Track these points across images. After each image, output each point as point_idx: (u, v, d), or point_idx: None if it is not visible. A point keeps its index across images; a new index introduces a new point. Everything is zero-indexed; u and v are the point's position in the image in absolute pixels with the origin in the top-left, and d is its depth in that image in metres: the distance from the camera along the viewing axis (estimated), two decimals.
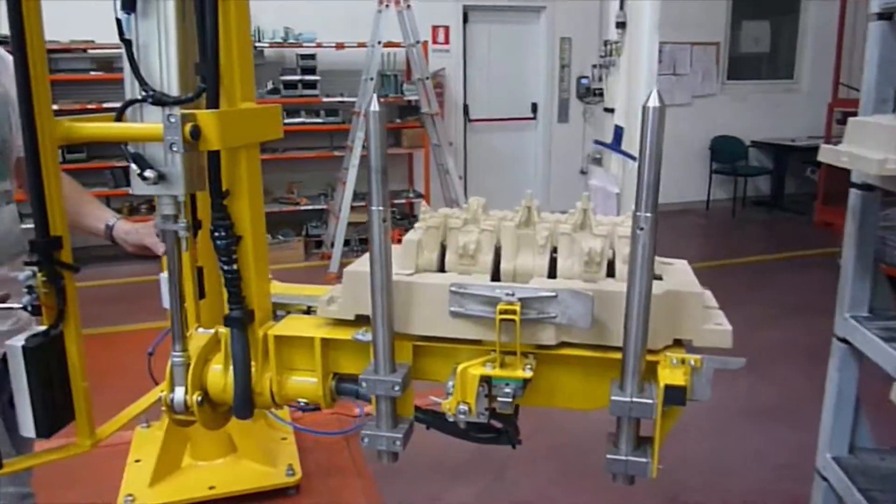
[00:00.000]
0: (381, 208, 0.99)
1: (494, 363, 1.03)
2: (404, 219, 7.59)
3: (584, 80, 8.47)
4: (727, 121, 9.02)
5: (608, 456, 1.02)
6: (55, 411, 1.15)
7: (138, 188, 1.12)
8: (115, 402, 1.38)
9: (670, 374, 0.98)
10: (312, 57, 7.02)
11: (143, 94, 1.10)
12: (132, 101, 1.12)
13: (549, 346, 1.05)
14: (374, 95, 1.00)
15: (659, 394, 0.96)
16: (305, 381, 1.20)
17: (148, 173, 1.09)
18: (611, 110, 4.47)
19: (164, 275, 1.32)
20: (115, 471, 2.96)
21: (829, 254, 6.44)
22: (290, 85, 6.95)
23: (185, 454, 3.02)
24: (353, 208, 6.45)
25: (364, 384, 1.07)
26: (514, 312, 0.99)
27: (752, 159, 9.23)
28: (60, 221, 1.14)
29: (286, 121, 6.98)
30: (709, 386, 1.01)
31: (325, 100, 7.03)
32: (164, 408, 1.23)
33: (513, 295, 1.01)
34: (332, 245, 6.51)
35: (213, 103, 1.08)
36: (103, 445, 3.34)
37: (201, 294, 1.44)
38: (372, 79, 6.37)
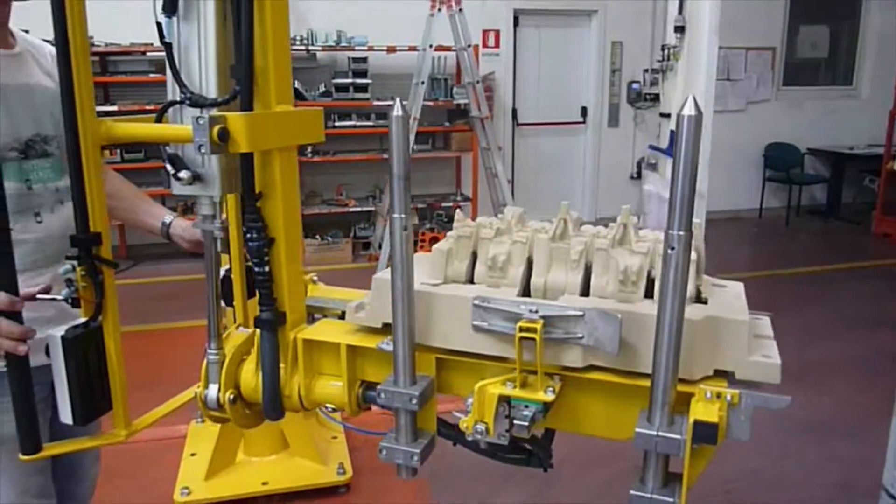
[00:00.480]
0: (402, 215, 0.96)
1: (515, 382, 0.98)
2: (451, 222, 7.60)
3: (634, 85, 8.38)
4: (782, 127, 8.81)
5: (632, 492, 0.94)
6: (92, 401, 1.19)
7: (176, 188, 1.14)
8: (171, 395, 1.41)
9: (703, 408, 0.90)
10: (364, 60, 7.07)
11: (182, 95, 1.11)
12: (172, 103, 1.14)
13: (575, 368, 1.00)
14: (398, 100, 0.96)
15: (688, 430, 0.88)
16: (333, 387, 1.18)
17: (182, 174, 1.10)
18: (667, 115, 4.40)
19: None
20: (171, 464, 3.04)
21: (888, 265, 6.26)
22: (342, 88, 7.02)
23: (238, 450, 3.08)
24: None
25: (382, 395, 1.05)
26: (534, 331, 0.94)
27: (808, 167, 9.00)
28: (100, 218, 1.16)
29: (337, 123, 7.07)
30: (748, 424, 0.92)
31: (375, 103, 7.09)
32: (199, 404, 1.24)
33: (536, 312, 0.96)
34: (380, 247, 6.57)
35: (247, 106, 1.08)
36: (160, 439, 3.42)
37: (251, 293, 1.46)
38: (423, 82, 6.40)
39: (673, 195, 0.81)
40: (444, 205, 7.57)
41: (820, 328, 5.03)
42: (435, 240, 6.70)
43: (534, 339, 0.94)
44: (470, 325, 1.02)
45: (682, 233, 0.82)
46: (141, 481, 3.13)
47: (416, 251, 1.16)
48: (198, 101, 1.10)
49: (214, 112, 1.05)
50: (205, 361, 1.22)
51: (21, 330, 1.21)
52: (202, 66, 1.12)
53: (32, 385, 1.23)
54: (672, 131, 4.22)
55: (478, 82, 6.53)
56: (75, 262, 1.16)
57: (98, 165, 1.15)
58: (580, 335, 0.96)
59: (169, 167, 1.12)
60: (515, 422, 0.97)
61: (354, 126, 7.14)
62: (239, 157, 1.11)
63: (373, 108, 7.17)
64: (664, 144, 4.35)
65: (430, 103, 7.02)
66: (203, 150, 1.00)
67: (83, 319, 1.17)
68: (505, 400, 0.98)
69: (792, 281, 6.40)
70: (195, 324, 1.27)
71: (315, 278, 1.43)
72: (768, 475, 3.25)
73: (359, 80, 7.04)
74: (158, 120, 1.17)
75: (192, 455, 3.08)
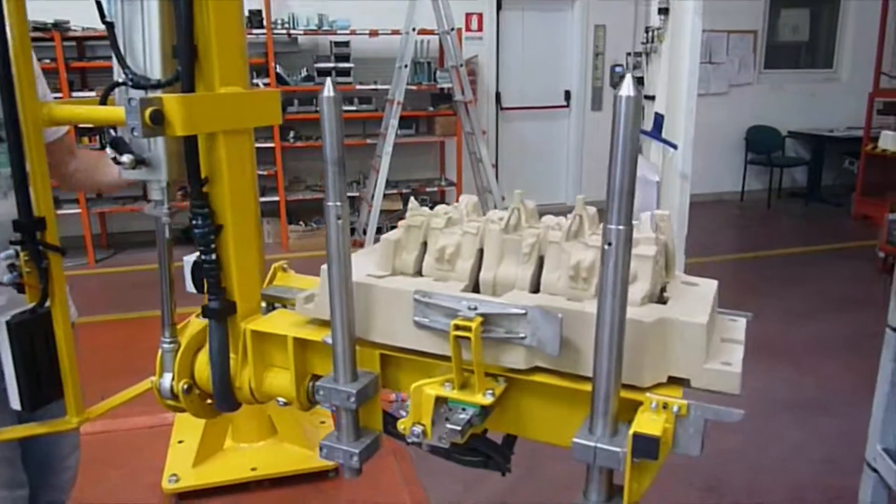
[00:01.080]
0: (338, 203, 0.91)
1: (454, 384, 0.92)
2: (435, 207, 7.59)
3: (618, 69, 8.37)
4: (763, 110, 8.85)
5: None
6: (40, 387, 1.19)
7: (124, 172, 1.11)
8: None
9: (647, 420, 0.82)
10: (346, 44, 7.00)
11: (124, 77, 1.08)
12: (115, 84, 1.11)
13: (519, 370, 0.93)
14: (329, 80, 0.90)
15: (628, 442, 0.80)
16: (284, 380, 1.14)
17: (124, 158, 1.07)
18: (651, 98, 4.41)
19: (188, 258, 1.29)
20: (159, 452, 3.03)
21: (867, 246, 6.34)
22: (324, 72, 6.93)
23: (226, 436, 3.06)
24: (385, 196, 6.47)
25: (321, 392, 0.99)
26: (469, 329, 0.87)
27: (789, 150, 9.07)
28: (45, 202, 1.14)
29: (319, 108, 7.01)
30: (698, 438, 0.82)
31: (358, 87, 7.03)
32: (155, 393, 1.22)
33: (475, 309, 0.90)
34: (365, 233, 6.54)
35: (188, 87, 1.04)
36: (148, 427, 3.39)
37: None
38: (406, 66, 6.37)
39: (610, 185, 0.74)
40: (428, 190, 7.55)
41: (802, 308, 5.10)
42: None
43: (469, 339, 0.88)
44: (411, 320, 0.96)
45: (621, 227, 0.74)
46: (129, 470, 3.11)
47: None
48: (140, 83, 1.07)
49: (148, 94, 1.01)
50: (160, 350, 1.20)
51: None
52: (146, 47, 1.08)
53: None
54: (657, 114, 4.23)
55: (461, 66, 6.50)
56: (19, 248, 1.15)
57: (41, 148, 1.13)
58: (522, 335, 0.89)
59: (109, 151, 1.08)
60: (448, 425, 0.90)
61: None
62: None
63: (355, 93, 7.11)
64: (648, 127, 4.36)
65: (414, 87, 6.98)
66: (135, 133, 0.96)
67: (30, 306, 1.17)
68: (443, 401, 0.92)
69: (774, 262, 6.47)
70: (177, 312, 1.24)
71: (285, 266, 1.38)
72: (753, 452, 3.28)
73: (341, 65, 6.97)
74: (103, 102, 1.14)
75: (180, 442, 3.06)
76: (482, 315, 0.90)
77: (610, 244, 0.75)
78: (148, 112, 0.95)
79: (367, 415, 1.05)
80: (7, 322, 1.13)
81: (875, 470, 2.02)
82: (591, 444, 0.82)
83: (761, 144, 8.80)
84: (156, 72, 1.08)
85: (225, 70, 1.08)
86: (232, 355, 1.15)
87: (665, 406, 0.83)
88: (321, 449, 1.02)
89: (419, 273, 1.08)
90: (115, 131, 1.10)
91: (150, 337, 1.22)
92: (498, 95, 8.20)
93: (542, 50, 8.33)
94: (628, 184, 0.73)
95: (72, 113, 1.19)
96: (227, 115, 1.09)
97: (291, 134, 7.00)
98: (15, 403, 1.18)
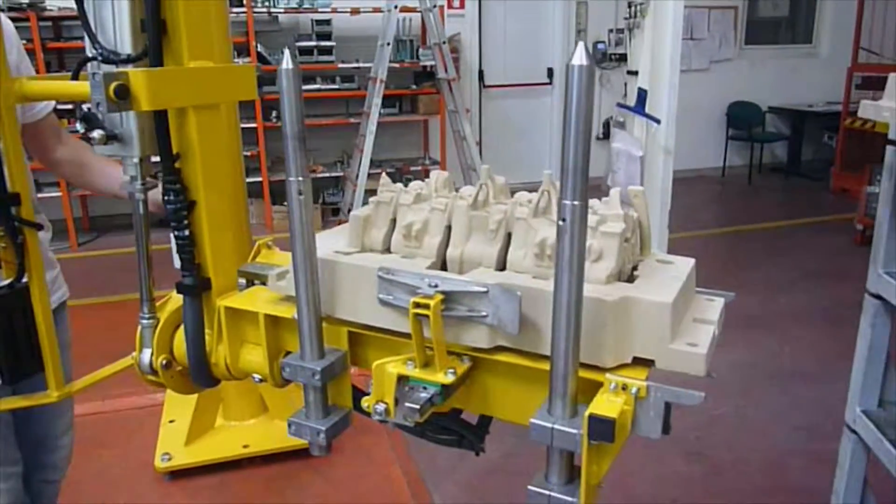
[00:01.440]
0: (299, 179, 0.90)
1: (416, 362, 0.91)
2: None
3: (600, 45, 8.37)
4: (744, 86, 8.89)
5: (530, 487, 0.84)
6: (19, 361, 1.21)
7: (97, 149, 1.10)
8: None
9: (604, 401, 0.80)
10: (328, 22, 6.94)
11: (94, 52, 1.06)
12: (87, 59, 1.10)
13: (483, 349, 0.91)
14: (287, 52, 0.88)
15: (584, 424, 0.78)
16: (257, 356, 1.13)
17: (94, 134, 1.06)
18: (634, 73, 4.42)
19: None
20: (150, 431, 3.04)
21: (845, 219, 6.43)
22: (306, 51, 6.88)
23: (217, 415, 3.08)
24: (369, 175, 6.46)
25: (287, 369, 0.99)
26: (428, 307, 0.86)
27: (769, 125, 9.13)
28: (19, 178, 1.14)
29: (278, 81, 6.94)
30: (658, 421, 0.80)
31: (340, 66, 6.98)
32: (136, 369, 1.23)
33: (436, 286, 0.88)
34: (349, 212, 6.51)
35: (155, 61, 1.03)
36: (140, 407, 3.40)
37: None
38: (388, 44, 6.33)
39: (564, 160, 0.72)
40: (412, 169, 7.53)
41: (783, 280, 5.19)
42: None
43: (428, 316, 0.86)
44: (376, 298, 0.95)
45: (576, 203, 0.72)
46: (122, 450, 3.13)
47: None
48: (110, 58, 1.05)
49: (114, 69, 1.00)
50: (139, 326, 1.21)
51: None
52: (115, 21, 1.06)
53: None
54: (640, 88, 4.24)
55: (444, 43, 6.47)
56: None
57: (14, 123, 1.13)
58: (484, 313, 0.87)
59: (78, 126, 1.08)
60: (407, 404, 0.89)
61: (319, 90, 7.03)
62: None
63: (338, 72, 7.06)
64: (632, 102, 4.38)
65: (396, 65, 6.94)
66: (101, 108, 0.95)
67: (8, 281, 1.18)
68: (406, 380, 0.91)
69: (756, 236, 6.56)
70: (163, 293, 1.24)
71: (269, 243, 1.35)
72: (737, 419, 3.36)
73: (323, 43, 6.92)
74: (75, 77, 1.13)
75: (171, 422, 3.09)
76: (444, 293, 0.88)
77: (564, 220, 0.73)
78: (112, 86, 0.94)
79: (337, 392, 1.04)
80: None
81: (854, 431, 2.06)
82: (549, 425, 0.80)
83: (742, 120, 8.85)
84: (126, 46, 1.06)
85: (195, 44, 1.07)
86: (207, 331, 1.15)
87: (624, 387, 0.81)
88: (289, 426, 1.01)
89: (388, 250, 1.07)
90: (81, 106, 1.09)
91: (134, 320, 1.23)
92: (481, 73, 8.17)
93: (525, 27, 8.29)
94: (582, 158, 0.71)
95: (43, 88, 1.18)
96: (195, 90, 1.07)
97: (274, 114, 6.95)
98: None
